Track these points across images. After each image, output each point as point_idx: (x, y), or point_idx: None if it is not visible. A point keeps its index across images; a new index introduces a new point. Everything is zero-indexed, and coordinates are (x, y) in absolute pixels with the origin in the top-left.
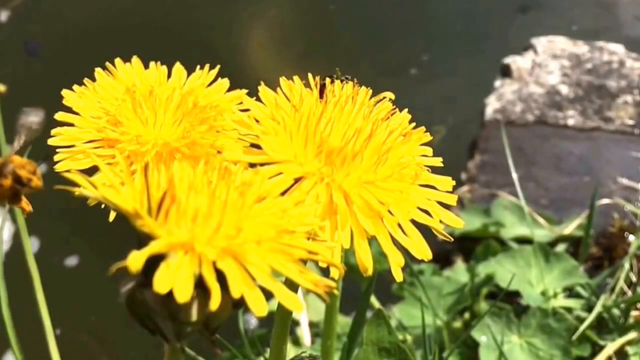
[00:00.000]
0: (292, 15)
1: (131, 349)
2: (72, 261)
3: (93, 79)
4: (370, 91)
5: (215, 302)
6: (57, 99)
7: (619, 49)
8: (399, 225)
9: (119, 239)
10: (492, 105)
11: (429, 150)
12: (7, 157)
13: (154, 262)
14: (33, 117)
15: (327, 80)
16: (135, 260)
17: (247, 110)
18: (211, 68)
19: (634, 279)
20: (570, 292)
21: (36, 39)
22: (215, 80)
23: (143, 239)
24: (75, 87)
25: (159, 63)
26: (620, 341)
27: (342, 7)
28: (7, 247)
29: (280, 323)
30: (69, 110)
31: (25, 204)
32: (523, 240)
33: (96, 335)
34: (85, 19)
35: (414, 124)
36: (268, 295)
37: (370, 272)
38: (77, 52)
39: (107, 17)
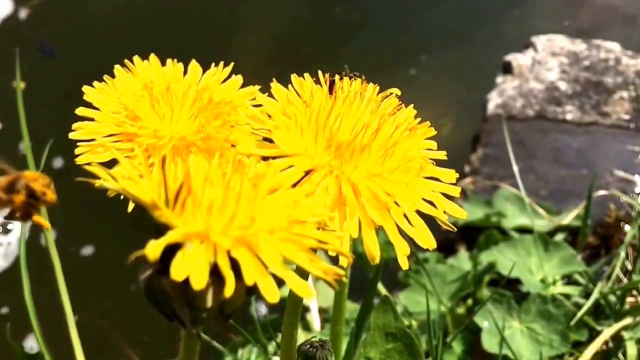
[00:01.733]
0: (300, 17)
1: (145, 334)
2: (87, 251)
3: (110, 76)
4: (378, 87)
5: (229, 289)
6: (73, 95)
7: (615, 47)
8: (405, 216)
9: (133, 229)
10: (494, 100)
11: (433, 144)
12: (19, 172)
13: (171, 251)
14: None
15: (337, 76)
16: (154, 249)
17: (259, 105)
18: (225, 65)
19: (629, 266)
20: (569, 280)
21: (54, 37)
22: (229, 77)
23: (160, 229)
24: (95, 83)
25: (175, 60)
26: (616, 326)
27: (348, 9)
28: (25, 237)
29: (291, 309)
30: (88, 105)
31: (42, 220)
32: (523, 230)
33: (112, 320)
34: (103, 17)
35: (419, 119)
36: (279, 282)
37: (377, 260)
38: (94, 50)
39: (125, 15)
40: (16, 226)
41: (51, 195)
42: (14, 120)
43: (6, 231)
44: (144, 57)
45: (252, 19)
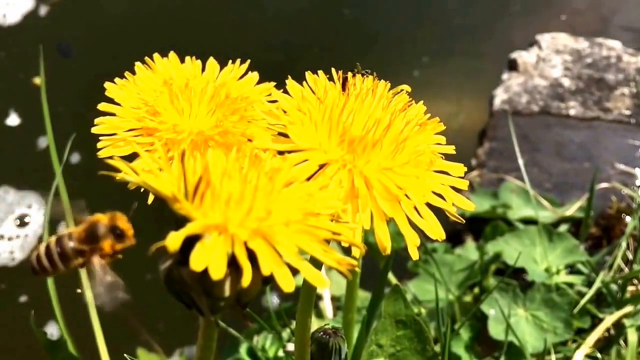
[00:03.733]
0: (309, 19)
1: (160, 322)
2: None
3: (130, 72)
4: (389, 84)
5: (246, 279)
6: (90, 93)
7: (616, 44)
8: (415, 208)
9: (148, 221)
10: (499, 96)
11: (442, 139)
12: (90, 219)
13: (190, 242)
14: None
15: (349, 74)
16: (174, 240)
17: (275, 101)
18: (241, 63)
19: (630, 256)
20: (572, 269)
21: (72, 34)
22: (245, 73)
23: (180, 221)
24: (116, 79)
25: (193, 58)
26: (617, 314)
27: (356, 13)
28: (42, 230)
29: (305, 298)
30: (108, 101)
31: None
32: (528, 221)
33: (128, 308)
34: (119, 16)
35: (429, 115)
36: (293, 271)
37: (388, 251)
38: (111, 48)
39: (141, 14)
40: (33, 219)
41: (131, 230)
42: (33, 116)
43: (23, 224)
44: (159, 55)
45: (262, 19)
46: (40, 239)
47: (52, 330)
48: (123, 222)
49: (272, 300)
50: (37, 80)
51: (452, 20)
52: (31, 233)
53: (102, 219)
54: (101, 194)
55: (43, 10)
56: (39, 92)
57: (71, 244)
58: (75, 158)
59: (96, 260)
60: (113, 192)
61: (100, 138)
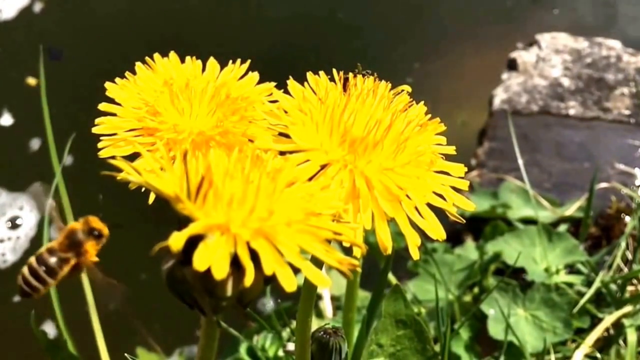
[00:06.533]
0: (303, 23)
1: (159, 321)
2: None
3: (122, 76)
4: (390, 84)
5: (249, 279)
6: (83, 95)
7: (616, 44)
8: (416, 208)
9: (142, 221)
10: (499, 96)
11: (443, 139)
12: (67, 229)
13: (192, 242)
14: (38, 193)
15: (350, 74)
16: (177, 240)
17: (276, 101)
18: (241, 63)
19: (629, 256)
20: (571, 269)
21: (64, 34)
22: (246, 73)
23: (183, 221)
24: (117, 79)
25: (194, 58)
26: (617, 314)
27: (350, 16)
28: (33, 232)
29: (306, 297)
30: (106, 101)
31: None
32: (528, 221)
33: (129, 307)
34: (119, 14)
35: (429, 115)
36: (294, 270)
37: (389, 251)
38: (105, 49)
39: (143, 12)
40: (24, 221)
41: (106, 229)
42: (27, 116)
43: (15, 226)
44: (152, 55)
45: (257, 20)
46: (32, 241)
47: (49, 330)
48: (97, 223)
49: (269, 303)
50: (31, 80)
51: (451, 20)
52: (23, 235)
53: (77, 225)
54: (94, 193)
55: (38, 7)
56: (33, 91)
57: (53, 258)
58: (68, 160)
59: (87, 263)
60: (104, 192)
61: (101, 138)
